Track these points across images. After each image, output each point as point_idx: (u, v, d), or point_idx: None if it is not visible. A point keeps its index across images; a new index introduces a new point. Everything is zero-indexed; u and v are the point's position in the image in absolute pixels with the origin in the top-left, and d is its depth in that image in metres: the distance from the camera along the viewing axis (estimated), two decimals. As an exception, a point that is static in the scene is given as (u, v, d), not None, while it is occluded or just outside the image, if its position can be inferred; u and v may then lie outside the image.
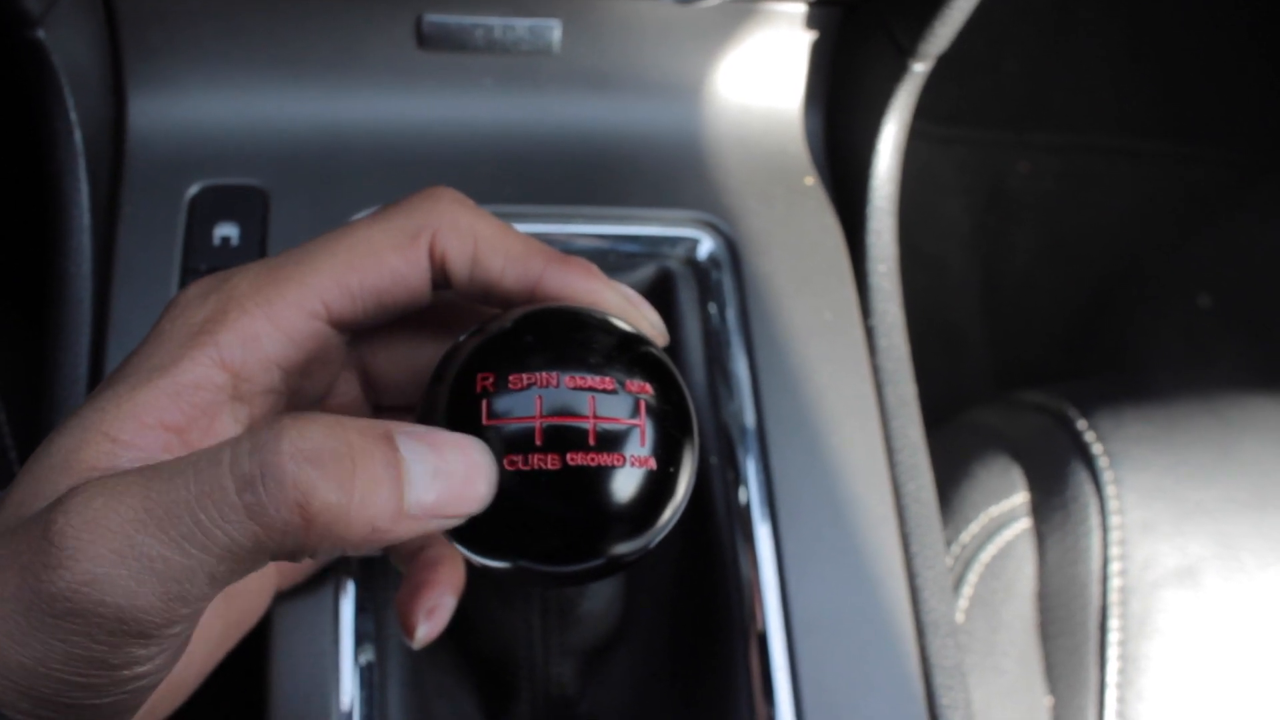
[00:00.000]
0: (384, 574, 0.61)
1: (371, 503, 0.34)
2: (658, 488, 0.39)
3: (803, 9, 0.75)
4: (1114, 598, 0.77)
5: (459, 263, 0.43)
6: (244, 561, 0.34)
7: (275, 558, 0.35)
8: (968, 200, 1.43)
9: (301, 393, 0.44)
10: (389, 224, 0.43)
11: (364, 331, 0.45)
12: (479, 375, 0.39)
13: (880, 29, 0.72)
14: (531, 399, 0.37)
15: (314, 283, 0.41)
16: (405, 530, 0.35)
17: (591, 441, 0.38)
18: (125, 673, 0.34)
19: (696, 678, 0.66)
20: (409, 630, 0.51)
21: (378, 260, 0.42)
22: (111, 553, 0.32)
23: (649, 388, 0.40)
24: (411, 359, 0.48)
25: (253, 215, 0.68)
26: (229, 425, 0.40)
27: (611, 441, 0.38)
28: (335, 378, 0.46)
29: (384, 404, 0.49)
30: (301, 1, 0.69)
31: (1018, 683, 0.79)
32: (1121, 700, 0.76)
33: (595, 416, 0.38)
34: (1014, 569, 0.80)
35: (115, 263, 0.66)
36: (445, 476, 0.36)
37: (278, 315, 0.41)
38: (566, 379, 0.38)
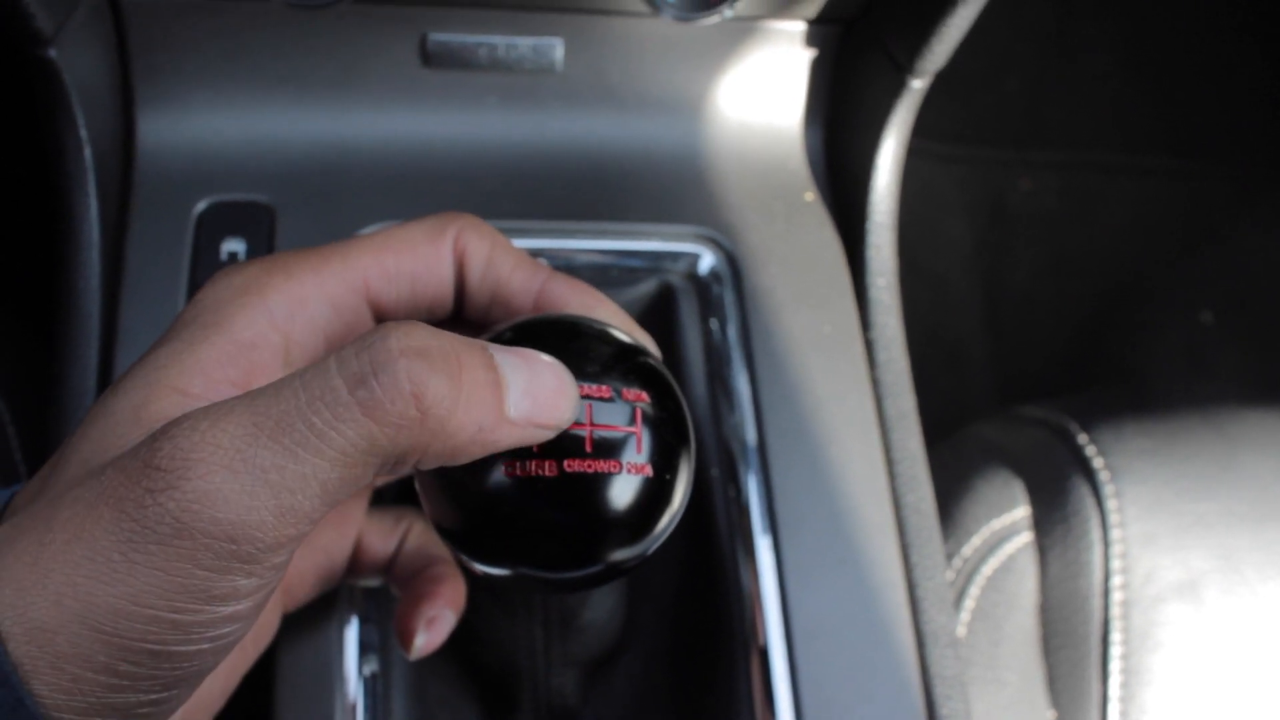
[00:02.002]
0: (387, 587, 0.62)
1: (478, 401, 0.35)
2: (654, 495, 0.40)
3: (802, 27, 0.75)
4: (1116, 611, 0.77)
5: (476, 261, 0.44)
6: (357, 466, 0.34)
7: (385, 463, 0.34)
8: (970, 217, 1.44)
9: None
10: (418, 222, 0.45)
11: None
12: None
13: (878, 46, 0.73)
14: None
15: (355, 258, 0.42)
16: (505, 436, 0.36)
17: (588, 448, 0.38)
18: (221, 609, 0.34)
19: (698, 688, 0.66)
20: (407, 639, 0.52)
21: (412, 247, 0.43)
22: (223, 467, 0.32)
23: (645, 396, 0.40)
24: None
25: (259, 231, 0.69)
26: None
27: (608, 449, 0.38)
28: None
29: None
30: (307, 21, 0.70)
31: (1020, 696, 0.79)
32: (1124, 714, 0.76)
33: (592, 424, 0.38)
34: (1015, 582, 0.80)
35: (124, 277, 0.66)
36: (537, 387, 0.36)
37: (324, 282, 0.41)
38: None
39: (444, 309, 0.46)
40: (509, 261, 0.45)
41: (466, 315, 0.47)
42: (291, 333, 0.40)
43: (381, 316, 0.44)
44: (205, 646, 0.34)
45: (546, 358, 0.38)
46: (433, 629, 0.51)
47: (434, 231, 0.44)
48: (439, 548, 0.56)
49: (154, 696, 0.35)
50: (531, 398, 0.36)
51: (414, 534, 0.55)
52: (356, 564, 0.55)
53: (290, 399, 0.33)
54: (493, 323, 0.46)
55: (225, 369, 0.38)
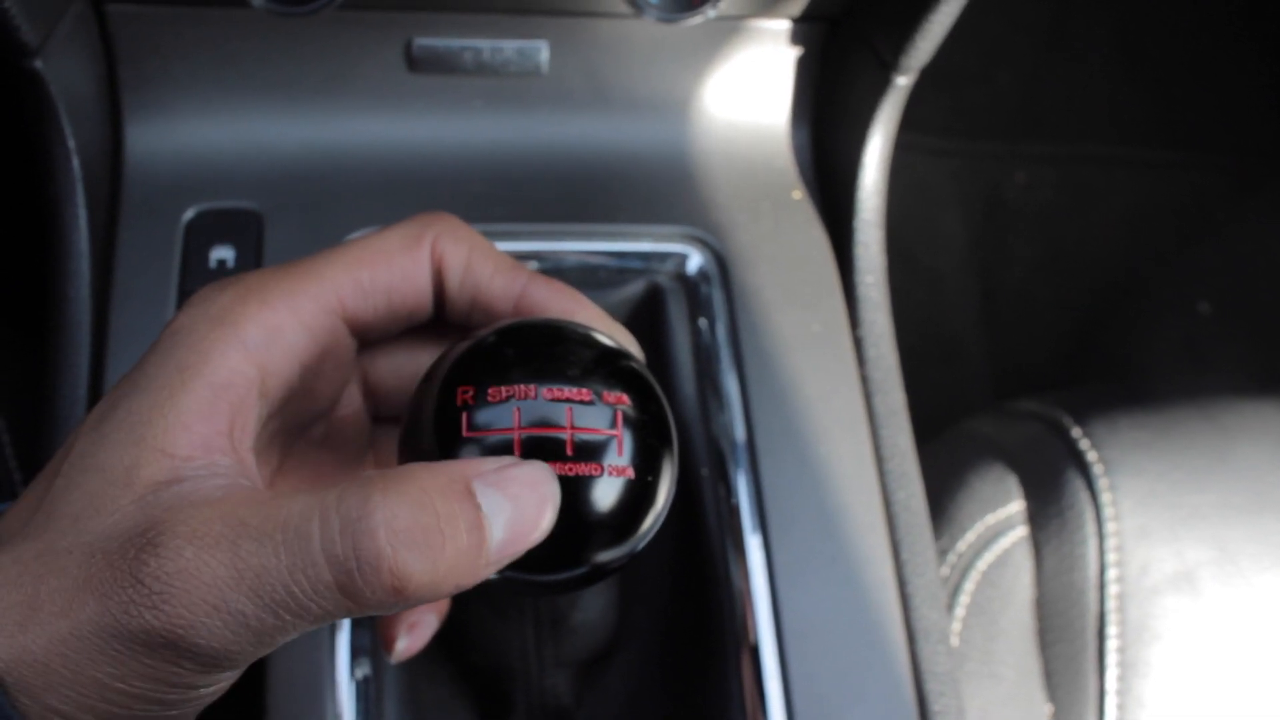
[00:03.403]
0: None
1: (458, 568, 0.35)
2: (637, 496, 0.40)
3: (787, 25, 0.75)
4: (1112, 604, 0.77)
5: (454, 267, 0.44)
6: (329, 620, 0.35)
7: (360, 615, 0.36)
8: (964, 212, 1.44)
9: (314, 394, 0.45)
10: (394, 230, 0.44)
11: (368, 342, 0.46)
12: (459, 389, 0.39)
13: (863, 44, 0.73)
14: (510, 411, 0.38)
15: (330, 276, 0.42)
16: (482, 576, 0.36)
17: (569, 452, 0.38)
18: (203, 690, 0.35)
19: (690, 687, 0.67)
20: (389, 642, 0.52)
21: (387, 258, 0.43)
22: (205, 604, 0.33)
23: (626, 398, 0.40)
24: (411, 370, 0.49)
25: (248, 238, 0.69)
26: (254, 422, 0.40)
27: (589, 452, 0.39)
28: (345, 383, 0.47)
29: (382, 415, 0.50)
30: (293, 28, 0.70)
31: (1016, 690, 0.79)
32: (1121, 707, 0.76)
33: (573, 427, 0.39)
34: (1011, 577, 0.80)
35: (113, 286, 0.67)
36: (518, 521, 0.36)
37: (299, 307, 0.41)
38: (544, 391, 0.39)
39: (423, 316, 0.46)
40: (489, 266, 0.45)
41: (447, 318, 0.47)
42: (267, 364, 0.40)
43: (359, 333, 0.44)
44: (189, 711, 0.36)
45: (532, 472, 0.37)
46: (414, 633, 0.52)
47: (410, 239, 0.44)
48: None
49: None
50: (511, 532, 0.36)
51: None
52: None
53: (271, 557, 0.34)
54: (474, 327, 0.46)
55: (207, 421, 0.38)
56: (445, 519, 0.35)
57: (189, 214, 0.69)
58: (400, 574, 0.34)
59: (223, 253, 0.68)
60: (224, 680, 0.36)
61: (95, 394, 0.65)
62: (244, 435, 0.39)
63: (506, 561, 0.37)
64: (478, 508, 0.35)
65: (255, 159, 0.71)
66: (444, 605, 0.54)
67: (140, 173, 0.70)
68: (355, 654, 0.60)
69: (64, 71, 0.64)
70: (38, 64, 0.62)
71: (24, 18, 0.59)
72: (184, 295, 0.67)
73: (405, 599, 0.34)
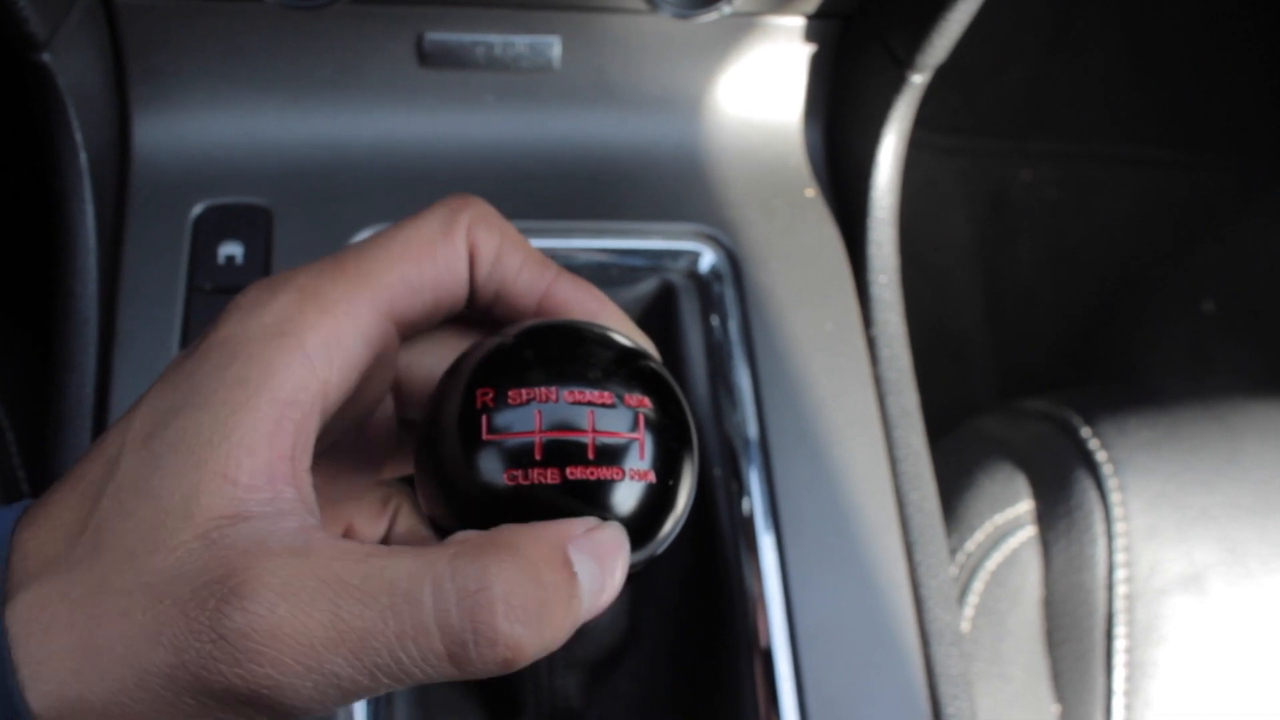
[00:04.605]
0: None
1: (554, 637, 0.35)
2: (657, 500, 0.39)
3: (801, 23, 0.75)
4: (1120, 605, 0.77)
5: (485, 257, 0.43)
6: (426, 683, 0.34)
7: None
8: (970, 210, 1.43)
9: (361, 400, 0.43)
10: (431, 217, 0.42)
11: (406, 339, 0.45)
12: (479, 391, 0.39)
13: (878, 41, 0.72)
14: (531, 414, 0.38)
15: (383, 277, 0.40)
16: (561, 640, 0.36)
17: (590, 455, 0.38)
18: None
19: (701, 689, 0.66)
20: None
21: (431, 250, 0.41)
22: (298, 665, 0.32)
23: (648, 401, 0.40)
24: (442, 368, 0.48)
25: (257, 234, 0.68)
26: (313, 441, 0.38)
27: (610, 455, 0.38)
28: (388, 385, 0.45)
29: (407, 416, 0.49)
30: (303, 22, 0.69)
31: (1024, 690, 0.79)
32: (1129, 707, 0.76)
33: (594, 430, 0.38)
34: (1020, 577, 0.80)
35: (121, 282, 0.66)
36: (603, 589, 0.36)
37: (358, 313, 0.39)
38: (565, 393, 0.38)
39: (459, 309, 0.44)
40: (517, 258, 0.43)
41: (470, 310, 0.46)
42: (330, 377, 0.38)
43: (404, 331, 0.42)
44: None
45: (614, 534, 0.37)
46: None
47: (447, 226, 0.42)
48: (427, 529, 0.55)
49: None
50: (595, 596, 0.36)
51: (404, 515, 0.55)
52: None
53: (378, 622, 0.32)
54: (495, 318, 0.45)
55: (271, 445, 0.36)
56: (552, 592, 0.34)
57: (197, 209, 0.69)
58: (514, 647, 0.33)
59: (231, 249, 0.68)
60: None
61: (102, 391, 0.64)
62: (304, 457, 0.37)
63: (580, 623, 0.37)
64: (574, 577, 0.35)
65: (264, 154, 0.71)
66: None
67: (148, 167, 0.70)
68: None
69: (72, 65, 0.63)
70: (46, 57, 0.61)
71: (32, 10, 0.58)
72: (192, 291, 0.67)
73: (510, 668, 0.34)
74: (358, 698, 0.33)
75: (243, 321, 0.38)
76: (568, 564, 0.35)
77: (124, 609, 0.33)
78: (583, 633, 0.66)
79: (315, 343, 0.37)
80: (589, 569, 0.36)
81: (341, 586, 0.33)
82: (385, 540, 0.54)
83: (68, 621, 0.33)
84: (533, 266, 0.43)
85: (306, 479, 0.37)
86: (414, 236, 0.41)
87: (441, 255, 0.41)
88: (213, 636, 0.32)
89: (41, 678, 0.32)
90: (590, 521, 0.37)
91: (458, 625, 0.33)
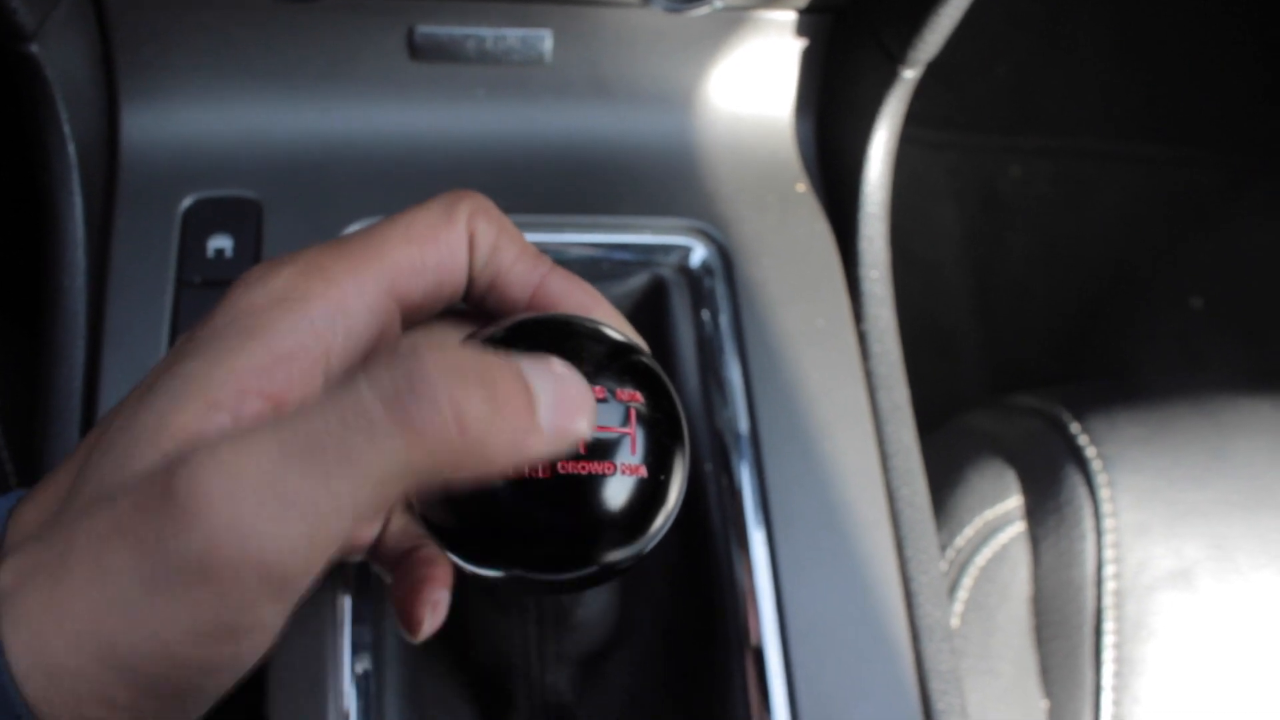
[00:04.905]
0: (380, 584, 0.62)
1: (512, 414, 0.33)
2: (649, 495, 0.40)
3: (793, 17, 0.75)
4: (1109, 601, 0.77)
5: (482, 247, 0.43)
6: (390, 487, 0.32)
7: (418, 481, 0.33)
8: (960, 205, 1.44)
9: None
10: (433, 206, 0.42)
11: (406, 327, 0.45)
12: None
13: (870, 36, 0.72)
14: None
15: (388, 256, 0.40)
16: (536, 447, 0.34)
17: (582, 450, 0.38)
18: (244, 643, 0.32)
19: (693, 684, 0.66)
20: (416, 625, 0.51)
21: (434, 234, 0.41)
22: (250, 497, 0.30)
23: (639, 396, 0.40)
24: None
25: (247, 227, 0.68)
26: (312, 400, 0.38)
27: (602, 450, 0.38)
28: None
29: None
30: (293, 14, 0.69)
31: (1014, 686, 0.79)
32: (1117, 703, 0.76)
33: None
34: (1009, 573, 0.80)
35: (109, 276, 0.66)
36: (563, 398, 0.35)
37: (364, 288, 0.39)
38: None
39: (458, 298, 0.44)
40: (512, 251, 0.43)
41: (464, 301, 0.46)
42: (333, 343, 0.38)
43: (408, 313, 0.42)
44: (231, 678, 0.34)
45: (564, 367, 0.37)
46: (437, 612, 0.51)
47: (448, 214, 0.42)
48: None
49: None
50: (558, 409, 0.35)
51: (397, 514, 0.55)
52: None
53: (319, 420, 0.31)
54: (488, 310, 0.45)
55: (260, 380, 0.35)
56: (490, 364, 0.33)
57: (186, 202, 0.68)
58: (457, 398, 0.32)
59: (221, 242, 0.68)
60: (267, 632, 0.33)
61: (91, 385, 0.64)
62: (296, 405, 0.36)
63: (557, 443, 0.35)
64: (521, 370, 0.34)
65: (254, 147, 0.70)
66: (451, 580, 0.53)
67: (137, 160, 0.69)
68: (356, 649, 0.59)
69: (60, 56, 0.63)
70: (33, 48, 0.61)
71: (20, 1, 0.58)
72: (181, 285, 0.66)
73: (465, 435, 0.32)
74: (325, 529, 0.31)
75: (248, 293, 0.38)
76: (516, 365, 0.34)
77: (90, 527, 0.32)
78: (575, 628, 0.67)
79: (321, 311, 0.37)
80: (545, 379, 0.35)
81: (286, 417, 0.32)
82: (379, 540, 0.54)
83: (41, 558, 0.32)
84: (527, 260, 0.44)
85: None
86: (417, 221, 0.41)
87: (444, 239, 0.42)
88: (162, 504, 0.30)
89: (18, 625, 0.31)
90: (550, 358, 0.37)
91: (391, 385, 0.31)
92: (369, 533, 0.54)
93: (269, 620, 0.33)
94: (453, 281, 0.43)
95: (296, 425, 0.31)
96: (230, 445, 0.31)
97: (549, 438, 0.35)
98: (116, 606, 0.31)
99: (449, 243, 0.42)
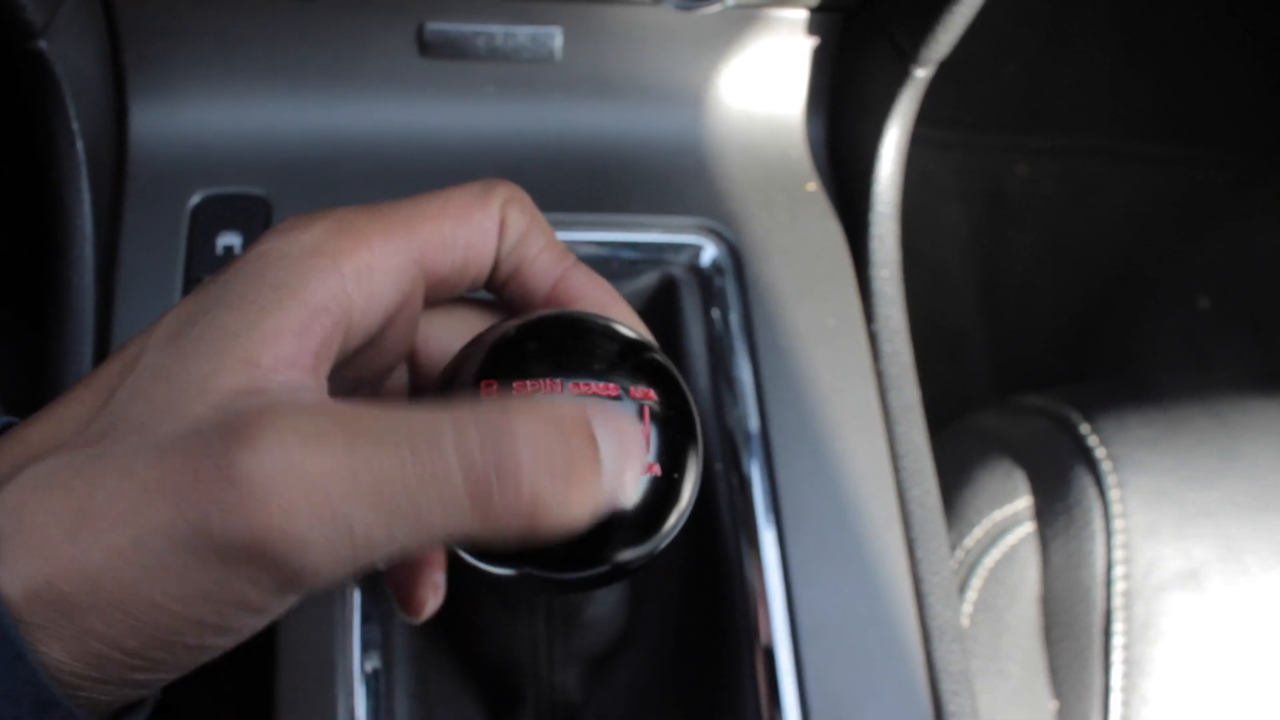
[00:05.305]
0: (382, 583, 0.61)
1: (579, 502, 0.33)
2: (662, 494, 0.39)
3: (804, 15, 0.75)
4: (1118, 601, 0.77)
5: (512, 231, 0.43)
6: (443, 542, 0.33)
7: (463, 543, 0.33)
8: (967, 204, 1.43)
9: (382, 350, 0.43)
10: (470, 186, 0.42)
11: (429, 305, 0.45)
12: (483, 384, 0.38)
13: (882, 34, 0.72)
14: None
15: (418, 225, 0.40)
16: (585, 517, 0.35)
17: None
18: (265, 616, 0.32)
19: (702, 684, 0.66)
20: (418, 607, 0.50)
21: (467, 213, 0.41)
22: (309, 509, 0.30)
23: (653, 393, 0.40)
24: (457, 345, 0.48)
25: (255, 224, 0.68)
26: (337, 356, 0.38)
27: None
28: (409, 343, 0.44)
29: (418, 395, 0.49)
30: (303, 10, 0.69)
31: (1022, 687, 0.79)
32: (1126, 704, 0.76)
33: None
34: (1018, 573, 0.80)
35: (117, 272, 0.66)
36: (623, 465, 0.35)
37: (392, 251, 0.38)
38: (570, 385, 0.38)
39: (482, 281, 0.44)
40: (539, 242, 0.43)
41: (486, 287, 0.46)
42: (359, 302, 0.37)
43: (432, 289, 0.42)
44: (234, 641, 0.33)
45: (628, 419, 0.37)
46: (438, 594, 0.50)
47: (483, 197, 0.42)
48: None
49: (174, 675, 0.34)
50: (614, 475, 0.35)
51: None
52: None
53: (395, 465, 0.31)
54: (507, 298, 0.45)
55: (299, 339, 0.35)
56: (578, 454, 0.33)
57: (195, 199, 0.68)
58: (539, 500, 0.32)
59: (229, 239, 0.67)
60: (286, 606, 0.33)
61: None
62: (326, 364, 0.36)
63: (604, 508, 0.35)
64: (596, 447, 0.34)
65: (263, 144, 0.70)
66: (445, 563, 0.53)
67: (145, 157, 0.69)
68: (365, 648, 0.59)
69: (69, 52, 0.62)
70: (42, 44, 0.60)
71: (29, -3, 0.58)
72: (189, 282, 0.66)
73: (534, 526, 0.32)
74: (370, 558, 0.31)
75: (279, 241, 0.37)
76: (591, 435, 0.34)
77: (126, 468, 0.31)
78: (584, 627, 0.66)
79: (349, 266, 0.37)
80: (610, 445, 0.35)
81: (359, 428, 0.32)
82: None
83: (66, 486, 0.31)
84: (552, 253, 0.44)
85: (325, 385, 0.36)
86: (452, 198, 0.41)
87: (476, 219, 0.41)
88: (218, 480, 0.30)
89: (29, 549, 0.30)
90: (605, 401, 0.37)
91: (480, 465, 0.31)
92: None
93: (291, 602, 0.33)
94: (479, 263, 0.43)
95: (371, 454, 0.31)
96: (299, 445, 0.31)
97: (600, 506, 0.35)
98: (144, 559, 0.30)
99: (481, 224, 0.41)
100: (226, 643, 0.33)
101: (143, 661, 0.32)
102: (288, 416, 0.31)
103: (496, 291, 0.45)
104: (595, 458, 0.34)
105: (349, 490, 0.30)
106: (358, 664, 0.59)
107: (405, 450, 0.31)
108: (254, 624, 0.33)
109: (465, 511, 0.31)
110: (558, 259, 0.44)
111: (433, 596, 0.50)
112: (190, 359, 0.34)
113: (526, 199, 0.43)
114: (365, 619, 0.60)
